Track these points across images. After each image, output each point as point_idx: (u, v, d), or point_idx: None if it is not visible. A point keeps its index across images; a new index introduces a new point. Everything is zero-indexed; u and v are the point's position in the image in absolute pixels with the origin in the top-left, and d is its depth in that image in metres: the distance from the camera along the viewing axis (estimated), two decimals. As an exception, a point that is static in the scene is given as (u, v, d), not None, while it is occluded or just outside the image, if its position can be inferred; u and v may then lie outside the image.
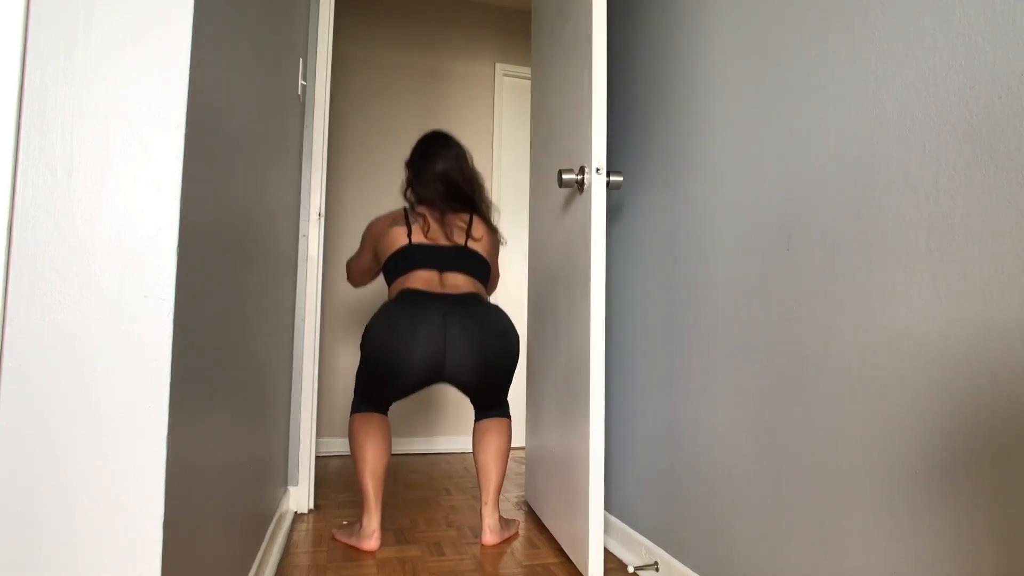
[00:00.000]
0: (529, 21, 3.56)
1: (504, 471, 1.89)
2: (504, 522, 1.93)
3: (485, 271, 1.96)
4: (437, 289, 1.85)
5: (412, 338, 1.73)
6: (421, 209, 1.97)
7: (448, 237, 1.91)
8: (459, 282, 1.89)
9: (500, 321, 1.84)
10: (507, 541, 1.86)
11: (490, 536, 1.83)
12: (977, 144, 0.82)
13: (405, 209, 1.97)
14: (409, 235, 1.90)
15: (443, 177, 1.97)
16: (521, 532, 1.94)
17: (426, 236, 1.90)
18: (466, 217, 1.99)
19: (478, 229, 1.98)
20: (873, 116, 0.98)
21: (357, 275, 2.12)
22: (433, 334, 1.74)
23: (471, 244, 1.94)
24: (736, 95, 1.34)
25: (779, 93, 1.20)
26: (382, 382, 1.78)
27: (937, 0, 0.88)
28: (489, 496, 1.86)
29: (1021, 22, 0.77)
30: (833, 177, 1.06)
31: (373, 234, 1.99)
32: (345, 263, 3.13)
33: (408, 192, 2.03)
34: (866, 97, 1.00)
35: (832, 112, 1.07)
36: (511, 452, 3.24)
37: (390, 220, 1.96)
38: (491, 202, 2.08)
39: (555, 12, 1.93)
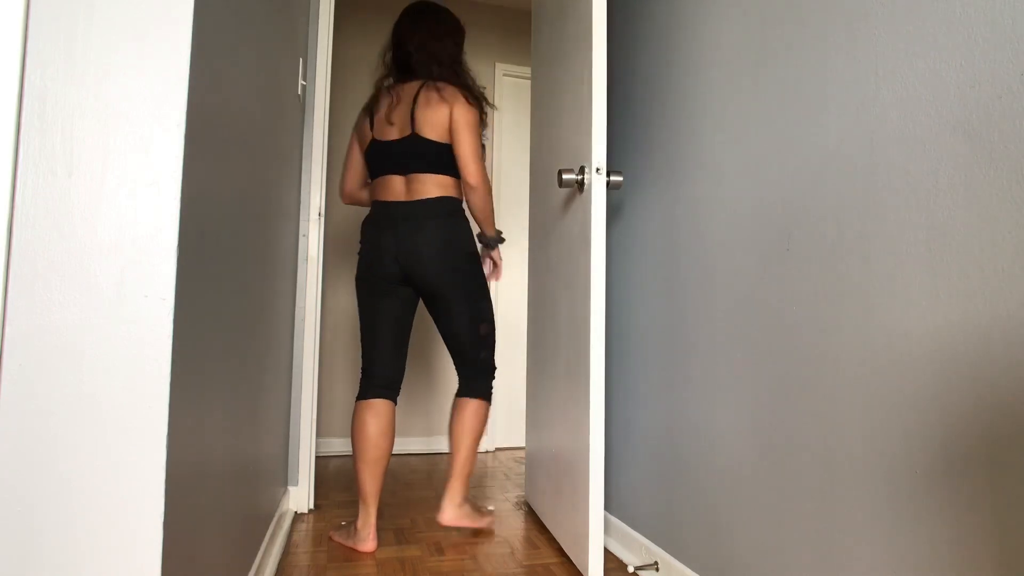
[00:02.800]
0: (529, 21, 3.56)
1: (474, 448, 1.85)
2: (473, 507, 1.90)
3: (443, 158, 1.77)
4: (402, 197, 1.79)
5: (377, 255, 1.78)
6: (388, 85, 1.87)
7: (391, 115, 1.78)
8: (422, 186, 1.77)
9: (435, 237, 1.75)
10: (481, 532, 1.83)
11: (446, 514, 1.80)
12: (977, 144, 0.82)
13: (378, 89, 1.86)
14: (372, 127, 1.82)
15: (395, 44, 1.84)
16: (521, 532, 1.94)
17: (385, 120, 1.79)
18: (414, 88, 1.79)
19: (424, 101, 1.75)
20: (873, 116, 0.98)
21: (349, 182, 1.94)
22: (387, 251, 1.77)
23: (420, 129, 1.75)
24: (736, 95, 1.34)
25: (779, 93, 1.20)
26: (368, 295, 1.81)
27: (937, 0, 0.88)
28: (453, 469, 1.83)
29: (1021, 22, 0.77)
30: (833, 177, 1.06)
31: (355, 124, 1.92)
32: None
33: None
34: (866, 97, 1.00)
35: (832, 112, 1.07)
36: (510, 452, 3.25)
37: (366, 105, 1.87)
38: (462, 73, 1.84)
39: (555, 12, 1.93)
